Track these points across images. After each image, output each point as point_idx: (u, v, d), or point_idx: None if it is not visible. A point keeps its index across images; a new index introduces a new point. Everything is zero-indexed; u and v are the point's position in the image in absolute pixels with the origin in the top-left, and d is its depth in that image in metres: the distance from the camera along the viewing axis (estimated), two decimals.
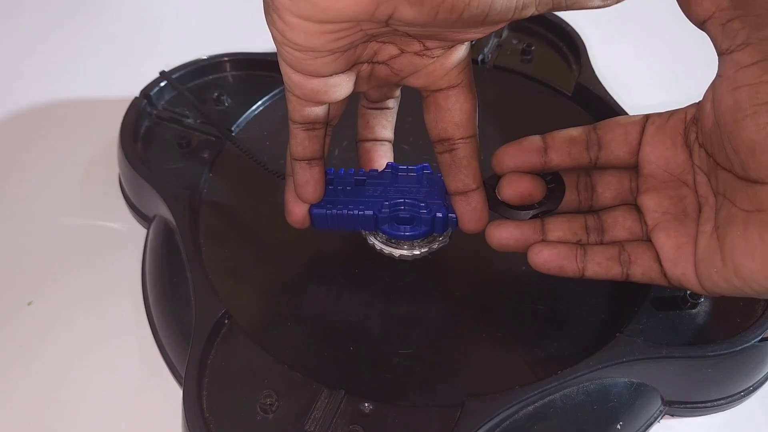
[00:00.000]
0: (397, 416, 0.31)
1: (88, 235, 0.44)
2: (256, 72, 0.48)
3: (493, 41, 0.50)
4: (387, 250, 0.36)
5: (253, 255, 0.38)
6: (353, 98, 0.48)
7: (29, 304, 0.40)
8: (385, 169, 0.36)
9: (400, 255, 0.36)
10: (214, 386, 0.32)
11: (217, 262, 0.38)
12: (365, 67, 0.31)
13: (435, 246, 0.36)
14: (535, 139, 0.34)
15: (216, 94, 0.45)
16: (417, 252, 0.36)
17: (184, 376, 0.32)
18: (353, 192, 0.35)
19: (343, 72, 0.29)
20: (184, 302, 0.36)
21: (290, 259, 0.38)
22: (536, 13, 0.26)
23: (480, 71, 0.49)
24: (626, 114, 0.43)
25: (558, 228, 0.33)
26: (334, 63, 0.28)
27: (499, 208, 0.34)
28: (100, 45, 0.58)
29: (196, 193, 0.40)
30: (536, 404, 0.32)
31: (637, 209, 0.33)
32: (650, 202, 0.32)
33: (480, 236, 0.39)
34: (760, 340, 0.33)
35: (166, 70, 0.46)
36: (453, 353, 0.34)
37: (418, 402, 0.32)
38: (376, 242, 0.36)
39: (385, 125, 0.37)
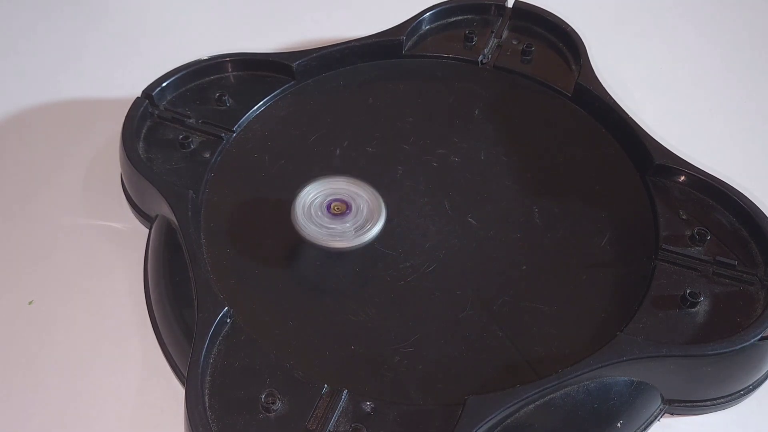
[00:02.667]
0: (398, 414, 0.31)
1: (90, 235, 0.44)
2: (257, 72, 0.48)
3: (493, 42, 0.50)
4: None
5: (254, 254, 0.38)
6: (355, 100, 0.48)
7: (30, 303, 0.41)
8: None
9: None
10: (216, 385, 0.32)
11: (219, 261, 0.38)
12: None
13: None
14: None
15: (217, 95, 0.45)
16: None
17: (186, 375, 0.32)
18: None
19: None
20: (186, 301, 0.36)
21: (292, 258, 0.38)
22: None
23: (480, 71, 0.49)
24: (627, 115, 0.43)
25: None
26: None
27: None
28: (101, 45, 0.58)
29: (198, 193, 0.40)
30: (537, 403, 0.32)
31: None
32: None
33: (480, 235, 0.39)
34: (759, 339, 0.33)
35: (168, 69, 0.46)
36: (454, 352, 0.34)
37: (419, 400, 0.32)
38: None
39: None
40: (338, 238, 0.36)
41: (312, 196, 0.37)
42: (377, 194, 0.37)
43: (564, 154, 0.44)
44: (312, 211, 0.36)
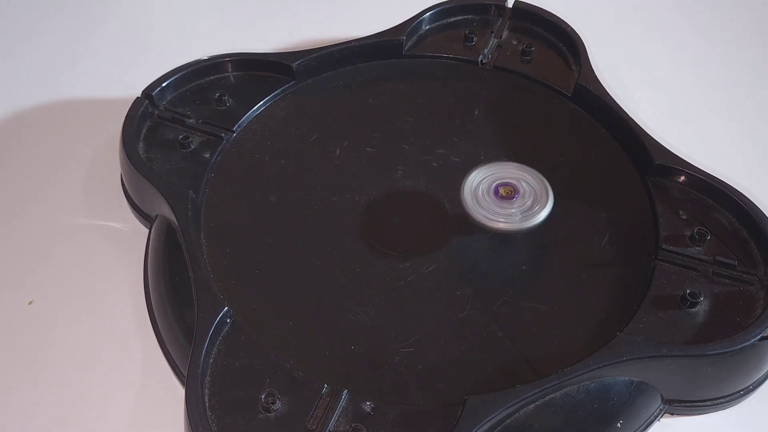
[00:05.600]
0: (398, 414, 0.31)
1: (90, 235, 0.44)
2: (257, 72, 0.48)
3: (493, 42, 0.50)
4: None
5: (254, 254, 0.38)
6: (355, 100, 0.48)
7: (30, 303, 0.41)
8: None
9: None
10: (216, 385, 0.32)
11: (219, 261, 0.38)
12: None
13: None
14: None
15: (217, 95, 0.45)
16: None
17: (186, 375, 0.32)
18: None
19: None
20: (186, 301, 0.36)
21: (292, 258, 0.38)
22: None
23: (480, 71, 0.49)
24: (626, 115, 0.43)
25: None
26: None
27: None
28: (101, 45, 0.58)
29: (198, 193, 0.40)
30: (537, 402, 0.32)
31: None
32: None
33: (480, 234, 0.39)
34: (759, 339, 0.33)
35: (168, 69, 0.46)
36: (454, 352, 0.34)
37: (419, 400, 0.32)
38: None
39: None
40: (503, 221, 0.36)
41: (479, 180, 0.38)
42: (544, 179, 0.38)
43: (564, 154, 0.44)
44: (479, 193, 0.37)
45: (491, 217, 0.36)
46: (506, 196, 0.37)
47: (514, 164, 0.39)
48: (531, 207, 0.37)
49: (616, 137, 0.44)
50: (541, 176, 0.38)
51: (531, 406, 0.32)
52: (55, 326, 0.39)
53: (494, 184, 0.38)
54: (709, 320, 0.34)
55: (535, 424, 0.32)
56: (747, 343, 0.33)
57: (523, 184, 0.38)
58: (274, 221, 0.40)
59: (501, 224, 0.36)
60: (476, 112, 0.46)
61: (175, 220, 0.38)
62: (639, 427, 0.34)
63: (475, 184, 0.38)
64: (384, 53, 0.49)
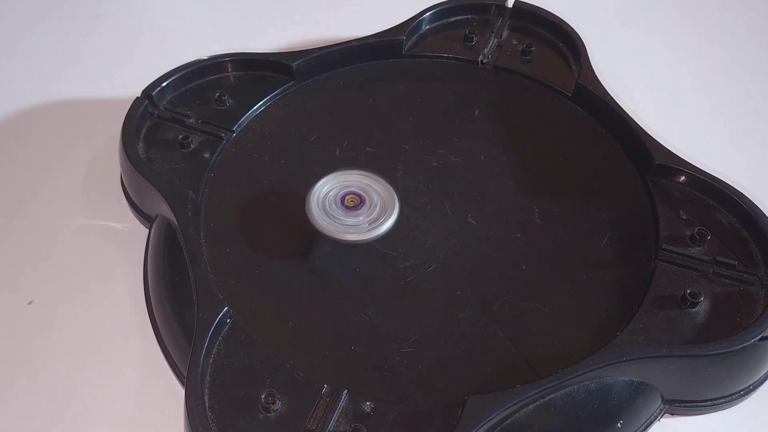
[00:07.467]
0: (398, 415, 0.31)
1: (90, 235, 0.44)
2: (257, 72, 0.48)
3: (493, 41, 0.50)
4: None
5: (254, 254, 0.38)
6: (355, 100, 0.48)
7: (30, 303, 0.41)
8: None
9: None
10: (216, 385, 0.32)
11: (219, 261, 0.38)
12: None
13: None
14: None
15: (217, 94, 0.45)
16: None
17: (185, 376, 0.32)
18: None
19: None
20: (186, 301, 0.36)
21: (291, 258, 0.38)
22: None
23: (480, 71, 0.49)
24: (626, 115, 0.43)
25: None
26: None
27: None
28: (101, 45, 0.58)
29: (197, 193, 0.40)
30: (537, 403, 0.32)
31: None
32: None
33: (480, 235, 0.39)
34: (759, 339, 0.33)
35: (168, 69, 0.46)
36: (454, 352, 0.34)
37: (419, 400, 0.32)
38: None
39: None
40: (351, 231, 0.36)
41: (326, 189, 0.37)
42: (390, 187, 0.38)
43: (564, 154, 0.44)
44: (326, 203, 0.37)
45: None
46: (352, 206, 0.37)
47: (360, 172, 0.38)
48: (377, 218, 0.37)
49: (616, 137, 0.44)
50: (388, 184, 0.38)
51: (531, 407, 0.32)
52: (55, 326, 0.39)
53: (341, 193, 0.37)
54: (710, 320, 0.34)
55: (535, 424, 0.32)
56: (747, 343, 0.33)
57: (370, 192, 0.37)
58: (274, 221, 0.40)
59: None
60: (476, 112, 0.46)
61: (174, 220, 0.38)
62: (639, 428, 0.34)
63: (322, 193, 0.37)
64: (384, 53, 0.49)
